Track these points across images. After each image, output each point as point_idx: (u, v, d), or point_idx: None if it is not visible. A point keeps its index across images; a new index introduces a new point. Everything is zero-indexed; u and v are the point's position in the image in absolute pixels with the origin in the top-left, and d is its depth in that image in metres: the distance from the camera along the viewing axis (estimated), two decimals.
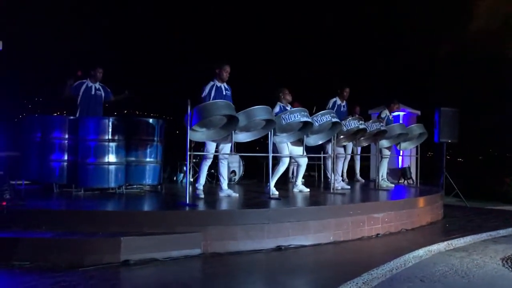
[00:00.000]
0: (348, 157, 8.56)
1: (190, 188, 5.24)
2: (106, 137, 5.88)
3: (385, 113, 7.82)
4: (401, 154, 9.40)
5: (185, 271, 3.83)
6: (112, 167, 5.92)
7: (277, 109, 6.22)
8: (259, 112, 5.35)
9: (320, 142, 6.72)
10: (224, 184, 5.84)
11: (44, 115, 6.71)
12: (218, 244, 4.36)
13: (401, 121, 9.85)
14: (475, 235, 5.67)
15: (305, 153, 6.30)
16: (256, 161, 9.70)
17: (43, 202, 5.30)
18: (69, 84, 6.45)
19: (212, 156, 5.70)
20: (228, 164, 6.17)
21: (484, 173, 12.58)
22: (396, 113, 9.07)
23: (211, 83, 5.58)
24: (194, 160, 7.59)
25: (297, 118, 5.80)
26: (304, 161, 6.54)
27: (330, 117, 6.22)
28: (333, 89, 7.65)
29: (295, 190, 6.62)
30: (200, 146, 6.31)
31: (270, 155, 5.74)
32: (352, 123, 6.75)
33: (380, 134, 7.20)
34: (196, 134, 5.36)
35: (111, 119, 5.95)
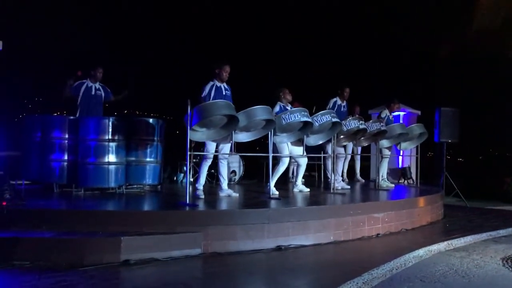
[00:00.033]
0: (348, 157, 8.56)
1: (190, 188, 5.24)
2: (106, 137, 5.88)
3: (385, 113, 7.82)
4: (401, 154, 9.39)
5: (185, 271, 3.83)
6: (112, 167, 5.92)
7: (277, 108, 6.22)
8: (259, 112, 5.35)
9: (320, 142, 6.72)
10: (224, 184, 5.84)
11: (44, 115, 6.70)
12: (218, 244, 4.36)
13: (401, 121, 9.84)
14: (475, 235, 5.67)
15: (305, 153, 6.30)
16: (256, 161, 9.69)
17: (43, 202, 5.29)
18: (69, 84, 6.44)
19: (212, 156, 5.70)
20: (228, 164, 6.17)
21: (484, 173, 12.59)
22: (396, 113, 9.07)
23: (211, 83, 5.58)
24: (194, 160, 7.59)
25: (297, 118, 5.80)
26: (304, 161, 6.54)
27: (330, 117, 6.22)
28: (333, 89, 7.65)
29: (295, 190, 6.62)
30: (200, 146, 6.31)
31: (270, 155, 5.74)
32: (352, 123, 6.75)
33: (380, 134, 7.20)
34: (196, 134, 5.36)
35: (111, 119, 5.95)
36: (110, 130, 5.89)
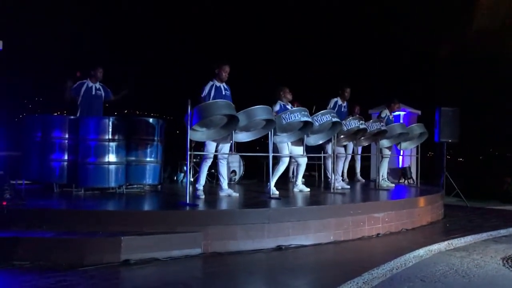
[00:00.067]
0: (349, 157, 8.55)
1: (190, 188, 5.24)
2: (107, 137, 5.88)
3: (386, 112, 7.82)
4: (401, 154, 9.38)
5: (185, 271, 3.83)
6: (112, 166, 5.92)
7: (277, 107, 6.22)
8: (260, 112, 5.35)
9: (321, 142, 6.72)
10: (224, 183, 5.84)
11: (45, 114, 6.69)
12: (218, 243, 4.35)
13: (401, 121, 9.84)
14: (476, 234, 5.66)
15: (305, 153, 6.30)
16: (256, 161, 9.70)
17: (43, 201, 5.29)
18: (69, 86, 6.44)
19: (212, 156, 5.70)
20: (228, 164, 6.17)
21: (484, 173, 12.59)
22: (396, 113, 9.06)
23: (211, 83, 5.58)
24: (194, 160, 7.59)
25: (297, 118, 5.80)
26: (304, 161, 6.54)
27: (330, 117, 6.22)
28: (333, 89, 7.65)
29: (296, 189, 6.61)
30: (200, 146, 6.31)
31: (271, 155, 5.74)
32: (353, 123, 6.75)
33: (380, 134, 7.20)
34: (196, 134, 5.36)
35: (111, 119, 5.95)
36: (110, 130, 5.89)
